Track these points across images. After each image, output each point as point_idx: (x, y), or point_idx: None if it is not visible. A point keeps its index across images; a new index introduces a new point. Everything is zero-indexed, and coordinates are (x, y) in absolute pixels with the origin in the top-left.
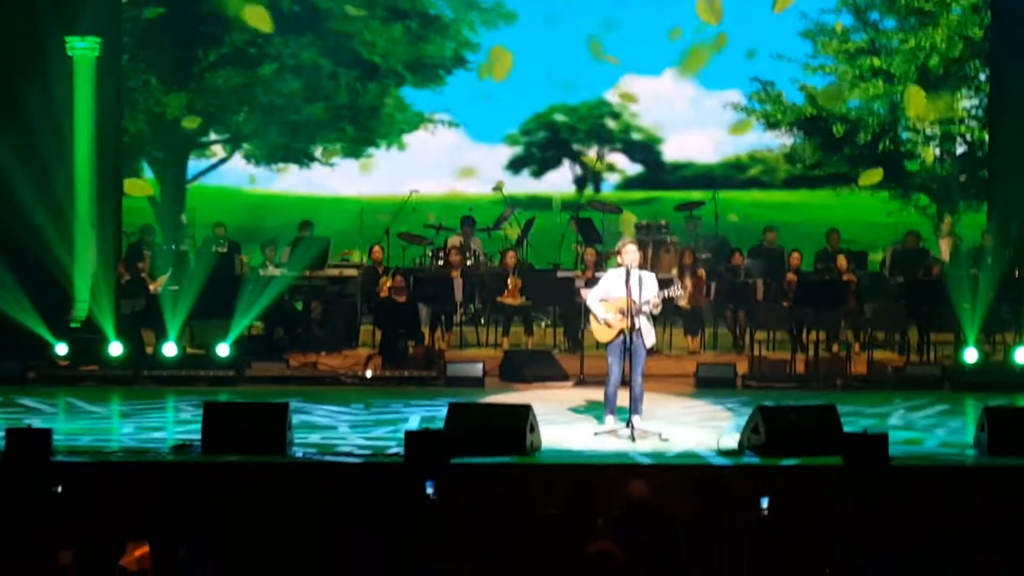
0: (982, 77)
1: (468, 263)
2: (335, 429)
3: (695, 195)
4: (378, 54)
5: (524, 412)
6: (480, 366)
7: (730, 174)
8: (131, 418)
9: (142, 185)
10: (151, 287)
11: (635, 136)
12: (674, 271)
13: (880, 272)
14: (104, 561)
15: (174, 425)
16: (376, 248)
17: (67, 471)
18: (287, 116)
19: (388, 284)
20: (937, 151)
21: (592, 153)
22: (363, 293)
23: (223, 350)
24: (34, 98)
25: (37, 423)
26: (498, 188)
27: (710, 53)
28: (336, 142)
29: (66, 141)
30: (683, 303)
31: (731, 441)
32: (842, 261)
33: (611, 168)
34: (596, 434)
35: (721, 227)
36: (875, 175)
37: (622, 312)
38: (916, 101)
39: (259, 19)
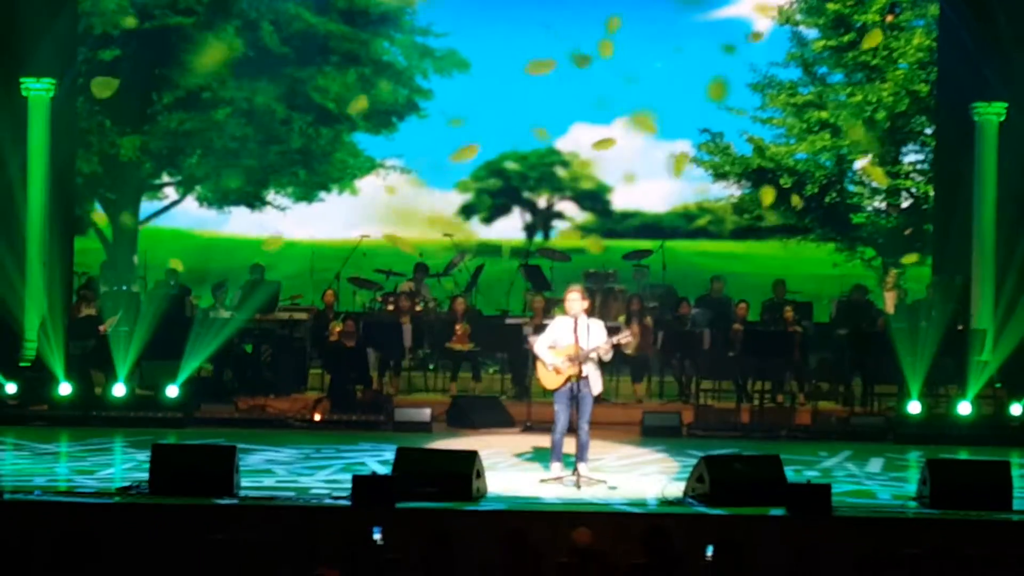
0: (928, 132)
1: (417, 308)
2: (282, 472)
3: (643, 244)
4: (331, 99)
5: (470, 458)
6: (428, 411)
7: (678, 224)
8: (79, 458)
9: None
10: (101, 328)
11: (585, 185)
12: (621, 318)
13: (826, 324)
14: None
15: (122, 466)
16: (328, 292)
17: (13, 511)
18: (240, 160)
19: (338, 328)
20: (883, 204)
21: (543, 202)
22: (312, 337)
23: (172, 392)
24: None
25: None
26: (448, 235)
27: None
28: (288, 186)
29: (18, 181)
30: (630, 350)
31: (675, 490)
32: (789, 312)
33: (560, 216)
34: (542, 481)
35: (668, 276)
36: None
37: (570, 359)
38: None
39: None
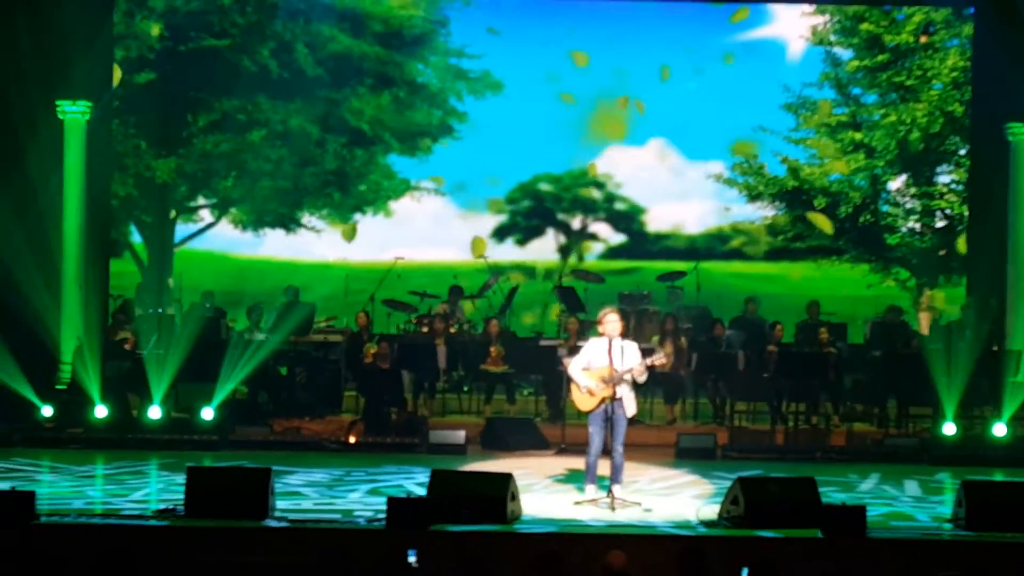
0: (962, 152)
1: (452, 330)
2: (317, 495)
3: (677, 265)
4: (365, 121)
5: (505, 480)
6: (462, 433)
7: (712, 245)
8: (115, 481)
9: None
10: (128, 345)
11: (619, 206)
12: (655, 338)
13: (861, 345)
14: None
15: (157, 488)
16: (362, 314)
17: (50, 533)
18: (275, 182)
19: (372, 351)
20: (917, 225)
21: (577, 223)
22: (347, 359)
23: (207, 414)
24: (24, 161)
25: (21, 485)
26: (480, 255)
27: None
28: (323, 208)
29: (56, 204)
30: (664, 366)
31: (710, 512)
32: (823, 333)
33: (594, 238)
34: (577, 504)
35: (703, 298)
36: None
37: (604, 381)
38: None
39: None
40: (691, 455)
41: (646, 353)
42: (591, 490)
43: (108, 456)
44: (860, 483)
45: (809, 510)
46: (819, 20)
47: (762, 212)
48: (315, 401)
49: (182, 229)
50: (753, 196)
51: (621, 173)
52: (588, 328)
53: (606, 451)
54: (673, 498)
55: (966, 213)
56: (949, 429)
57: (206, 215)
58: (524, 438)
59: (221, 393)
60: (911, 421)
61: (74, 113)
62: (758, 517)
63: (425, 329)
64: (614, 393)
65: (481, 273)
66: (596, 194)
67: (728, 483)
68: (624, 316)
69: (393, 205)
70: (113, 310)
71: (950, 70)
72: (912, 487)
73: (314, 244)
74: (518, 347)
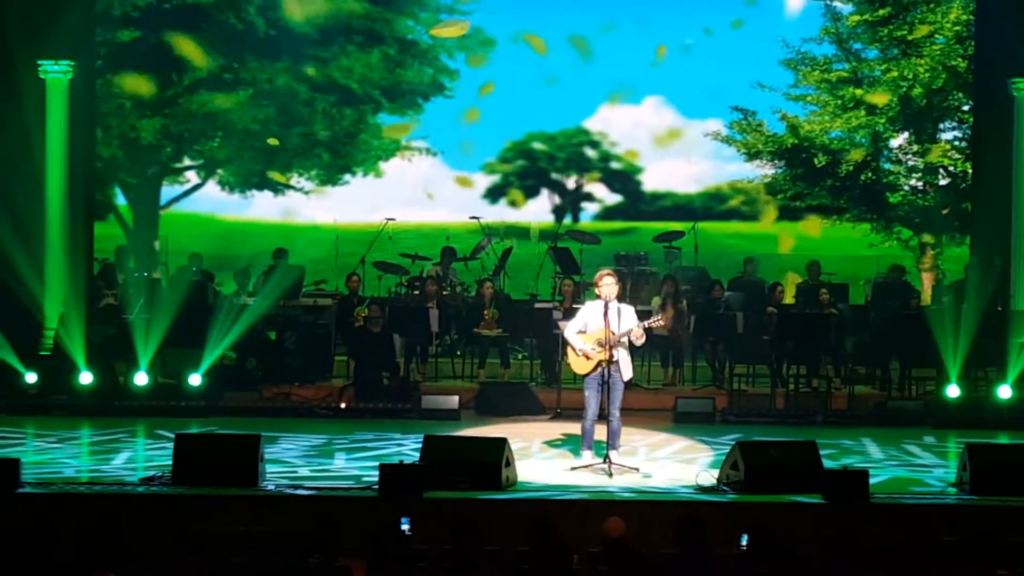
0: (965, 108)
1: (444, 293)
2: (308, 461)
3: (674, 226)
4: (355, 80)
5: (500, 446)
6: (455, 399)
7: (710, 205)
8: (101, 449)
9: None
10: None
11: (614, 165)
12: (656, 300)
13: (862, 306)
14: None
15: (144, 456)
16: (352, 277)
17: (35, 502)
18: (262, 142)
19: (363, 314)
20: (920, 183)
21: (571, 183)
22: (337, 323)
23: (195, 380)
24: (5, 123)
25: (5, 453)
26: (475, 218)
27: None
28: (312, 169)
29: (38, 166)
30: (663, 327)
31: (709, 477)
32: (824, 294)
33: (589, 197)
34: (573, 469)
35: (700, 259)
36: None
37: (600, 344)
38: None
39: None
40: (690, 419)
41: (642, 317)
42: (587, 455)
43: (94, 423)
44: (862, 447)
45: (810, 475)
46: None
47: (761, 170)
48: (305, 366)
49: (168, 191)
50: (752, 154)
51: (617, 132)
52: (584, 290)
53: (602, 416)
54: (671, 463)
55: (969, 170)
56: (953, 391)
57: (193, 176)
58: (519, 403)
59: (209, 359)
60: (914, 383)
61: (56, 73)
62: (758, 482)
63: (417, 292)
64: (610, 356)
65: (474, 234)
66: (591, 153)
67: (727, 448)
68: (621, 278)
69: (383, 165)
70: (98, 271)
71: (953, 24)
72: (915, 451)
73: (303, 205)
74: (512, 310)
